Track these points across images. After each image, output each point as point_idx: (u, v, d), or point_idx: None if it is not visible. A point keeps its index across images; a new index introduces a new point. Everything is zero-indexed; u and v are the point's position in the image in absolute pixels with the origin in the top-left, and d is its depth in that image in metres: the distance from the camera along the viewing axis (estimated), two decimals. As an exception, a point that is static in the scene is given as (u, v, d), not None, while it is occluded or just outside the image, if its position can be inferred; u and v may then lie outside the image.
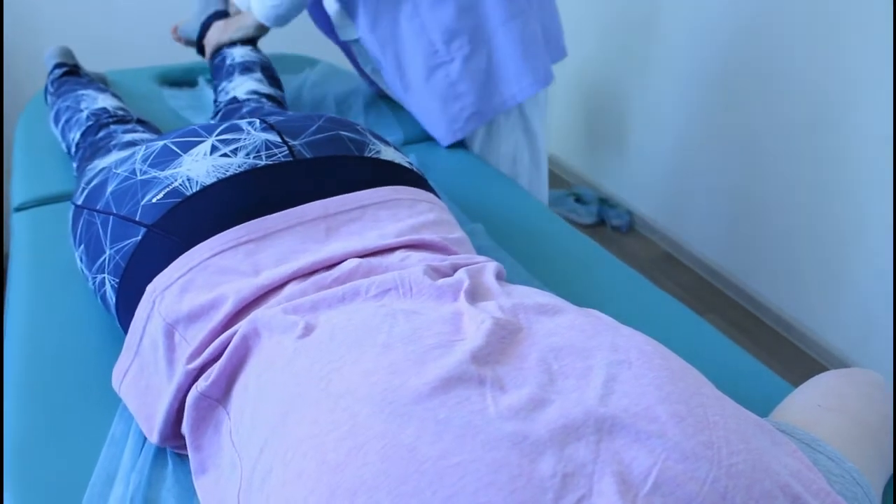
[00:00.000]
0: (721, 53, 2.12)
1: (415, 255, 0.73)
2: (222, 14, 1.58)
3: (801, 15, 1.85)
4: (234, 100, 1.34)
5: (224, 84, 1.41)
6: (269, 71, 1.45)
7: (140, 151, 0.86)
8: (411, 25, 1.33)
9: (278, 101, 1.37)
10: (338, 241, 0.75)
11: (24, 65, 2.25)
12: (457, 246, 0.80)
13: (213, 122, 1.24)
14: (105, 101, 1.31)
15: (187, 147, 0.82)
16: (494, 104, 1.40)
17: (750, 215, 2.16)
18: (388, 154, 0.90)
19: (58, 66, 1.52)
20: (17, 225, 1.21)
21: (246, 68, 1.43)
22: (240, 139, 0.83)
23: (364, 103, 1.58)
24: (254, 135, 0.84)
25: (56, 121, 1.32)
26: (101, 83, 1.48)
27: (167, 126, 1.42)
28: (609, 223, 2.64)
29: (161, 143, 0.85)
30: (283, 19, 1.37)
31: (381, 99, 1.62)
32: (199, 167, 0.78)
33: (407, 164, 0.91)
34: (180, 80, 1.72)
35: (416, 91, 1.39)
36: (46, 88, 1.48)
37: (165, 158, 0.82)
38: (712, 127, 2.22)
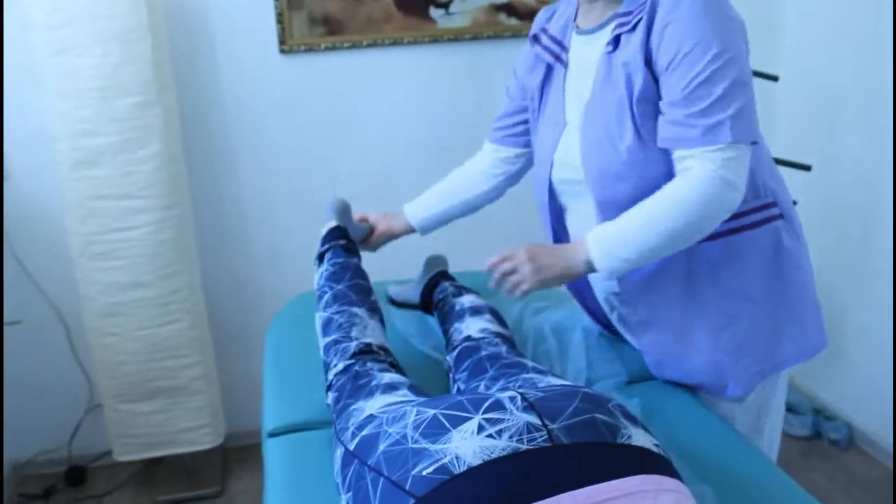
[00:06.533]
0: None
1: None
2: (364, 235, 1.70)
3: None
4: (469, 338, 1.42)
5: (456, 325, 1.50)
6: (495, 313, 1.54)
7: (411, 416, 0.94)
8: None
9: (507, 338, 1.44)
10: None
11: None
12: None
13: (460, 375, 1.32)
14: (372, 333, 1.39)
15: (456, 422, 0.90)
16: (776, 363, 1.36)
17: None
18: (639, 438, 0.92)
19: (335, 233, 1.62)
20: (271, 451, 1.29)
21: (476, 311, 1.52)
22: (504, 419, 0.89)
23: (583, 335, 1.58)
24: (516, 415, 0.90)
25: (325, 331, 1.39)
26: (372, 293, 1.52)
27: (397, 349, 1.48)
28: (826, 437, 2.47)
29: (431, 412, 0.93)
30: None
31: (602, 333, 1.62)
32: (467, 446, 0.85)
33: (654, 448, 0.93)
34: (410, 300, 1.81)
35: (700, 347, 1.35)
36: (322, 256, 1.58)
37: (436, 430, 0.89)
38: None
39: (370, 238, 1.73)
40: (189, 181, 2.30)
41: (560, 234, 1.48)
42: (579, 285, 1.53)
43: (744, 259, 1.29)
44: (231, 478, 2.54)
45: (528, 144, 1.56)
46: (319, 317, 1.43)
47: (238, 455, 2.60)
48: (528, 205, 1.57)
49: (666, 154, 1.22)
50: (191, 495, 2.44)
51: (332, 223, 1.67)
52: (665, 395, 1.42)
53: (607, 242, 1.21)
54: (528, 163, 1.60)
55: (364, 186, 2.51)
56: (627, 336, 1.55)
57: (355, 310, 1.42)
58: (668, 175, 1.22)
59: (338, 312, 1.41)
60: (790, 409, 2.55)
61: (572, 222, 1.43)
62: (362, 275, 1.55)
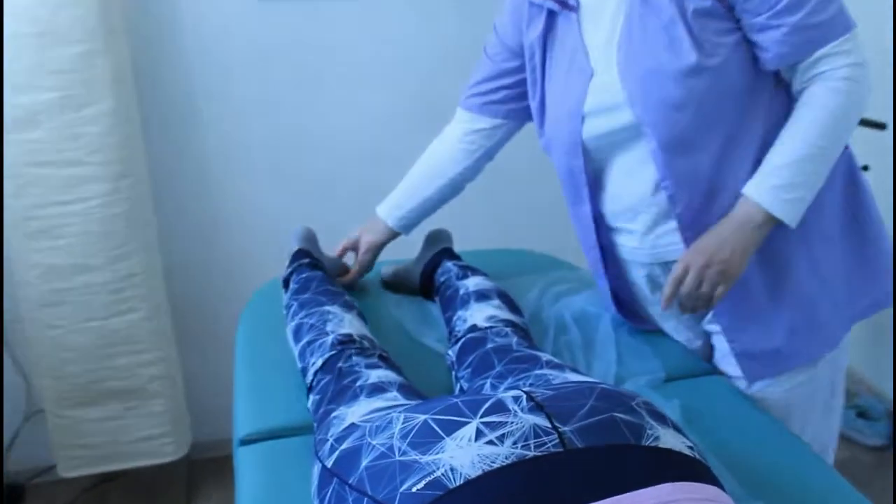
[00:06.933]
0: None
1: None
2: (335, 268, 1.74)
3: None
4: (475, 328, 1.41)
5: (460, 313, 1.50)
6: (505, 297, 1.52)
7: (398, 423, 0.92)
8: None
9: (520, 328, 1.43)
10: None
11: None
12: None
13: (464, 375, 1.32)
14: (351, 324, 1.41)
15: (450, 429, 0.88)
16: (852, 314, 1.42)
17: None
18: (668, 439, 0.90)
19: (298, 255, 1.68)
20: (244, 461, 1.25)
21: (482, 296, 1.52)
22: (506, 423, 0.87)
23: (612, 325, 1.56)
24: (521, 417, 0.88)
25: (297, 337, 1.42)
26: (345, 294, 1.57)
27: (392, 342, 1.48)
28: (904, 447, 2.50)
29: (421, 417, 0.91)
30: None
31: (633, 325, 1.59)
32: (464, 456, 0.83)
33: (688, 451, 0.90)
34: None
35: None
36: (287, 281, 1.63)
37: (427, 439, 0.87)
38: None
39: (359, 260, 1.74)
40: (145, 145, 2.25)
41: (597, 197, 1.46)
42: (608, 268, 1.52)
43: (820, 192, 1.31)
44: (198, 495, 2.52)
45: (508, 114, 1.59)
46: (289, 329, 1.48)
47: (205, 468, 2.58)
48: (542, 161, 1.58)
49: (728, 73, 1.26)
50: (151, 516, 2.42)
51: (295, 247, 1.73)
52: (710, 395, 1.40)
53: (776, 188, 1.26)
54: (507, 135, 1.64)
55: (349, 152, 2.51)
56: (667, 324, 1.54)
57: (326, 308, 1.46)
58: (724, 97, 1.27)
59: (307, 316, 1.45)
60: (861, 414, 2.58)
61: (616, 178, 1.41)
62: (330, 282, 1.60)
